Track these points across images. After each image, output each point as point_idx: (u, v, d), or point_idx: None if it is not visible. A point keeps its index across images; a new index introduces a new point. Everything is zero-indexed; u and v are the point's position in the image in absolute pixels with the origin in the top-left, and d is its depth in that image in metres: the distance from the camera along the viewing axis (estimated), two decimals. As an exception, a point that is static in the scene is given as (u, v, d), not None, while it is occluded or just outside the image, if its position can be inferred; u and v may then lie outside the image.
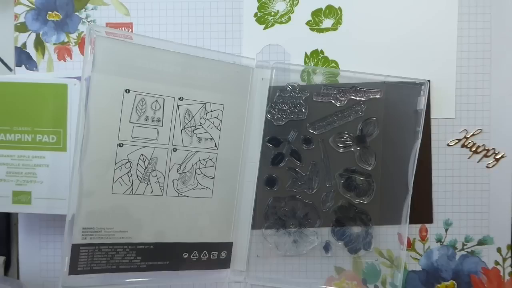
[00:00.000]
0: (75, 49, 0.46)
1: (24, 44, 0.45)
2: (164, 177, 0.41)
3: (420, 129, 0.44)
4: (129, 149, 0.40)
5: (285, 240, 0.46)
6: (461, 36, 0.45)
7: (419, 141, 0.44)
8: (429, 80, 0.45)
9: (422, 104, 0.44)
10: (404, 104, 0.45)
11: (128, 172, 0.40)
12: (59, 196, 0.41)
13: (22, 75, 0.45)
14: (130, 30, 0.45)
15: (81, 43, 0.46)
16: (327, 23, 0.46)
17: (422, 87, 0.44)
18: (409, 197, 0.44)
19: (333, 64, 0.45)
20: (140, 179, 0.41)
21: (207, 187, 0.43)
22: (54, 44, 0.46)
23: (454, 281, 0.46)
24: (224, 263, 0.45)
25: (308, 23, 0.46)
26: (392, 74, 0.45)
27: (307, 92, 0.44)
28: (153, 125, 0.41)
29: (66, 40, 0.45)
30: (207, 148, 0.43)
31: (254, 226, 0.45)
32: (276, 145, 0.45)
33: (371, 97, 0.44)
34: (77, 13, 0.45)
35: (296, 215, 0.45)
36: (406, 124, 0.45)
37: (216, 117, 0.43)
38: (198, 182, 0.43)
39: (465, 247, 0.46)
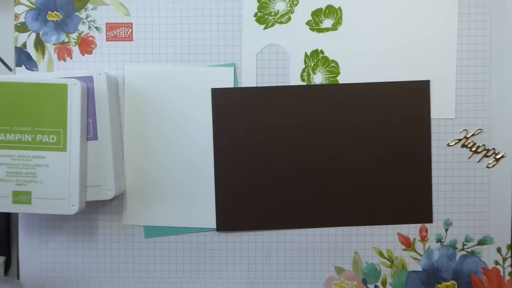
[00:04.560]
0: (75, 49, 0.46)
1: (24, 44, 0.45)
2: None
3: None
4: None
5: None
6: (461, 36, 0.45)
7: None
8: (429, 80, 0.45)
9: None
10: (404, 104, 0.45)
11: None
12: (59, 196, 0.41)
13: (22, 75, 0.45)
14: (130, 30, 0.46)
15: (81, 43, 0.46)
16: (327, 23, 0.46)
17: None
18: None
19: (333, 64, 0.45)
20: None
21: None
22: (54, 44, 0.46)
23: (454, 281, 0.46)
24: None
25: (308, 23, 0.46)
26: (392, 74, 0.45)
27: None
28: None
29: (66, 40, 0.45)
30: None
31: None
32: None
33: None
34: (77, 13, 0.45)
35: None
36: (405, 124, 0.45)
37: None
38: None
39: (465, 247, 0.46)
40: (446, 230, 0.46)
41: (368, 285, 0.46)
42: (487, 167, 0.46)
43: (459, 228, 0.46)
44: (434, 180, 0.46)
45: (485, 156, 0.46)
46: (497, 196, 0.46)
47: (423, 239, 0.46)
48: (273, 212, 0.45)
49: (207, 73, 0.46)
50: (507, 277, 0.46)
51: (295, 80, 0.45)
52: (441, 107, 0.45)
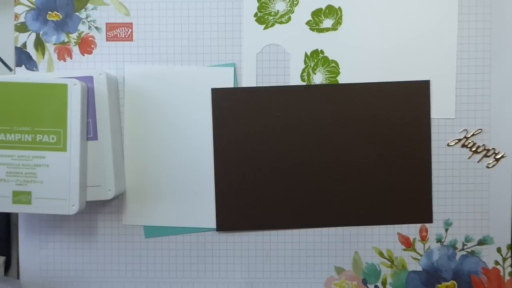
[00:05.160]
0: (75, 49, 0.46)
1: (24, 44, 0.45)
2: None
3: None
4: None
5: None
6: (461, 36, 0.45)
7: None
8: (429, 80, 0.45)
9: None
10: (404, 104, 0.45)
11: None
12: (59, 196, 0.41)
13: (22, 75, 0.45)
14: (130, 30, 0.46)
15: (81, 43, 0.46)
16: (327, 23, 0.46)
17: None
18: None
19: (333, 64, 0.45)
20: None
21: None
22: (54, 44, 0.46)
23: (454, 281, 0.46)
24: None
25: (308, 23, 0.46)
26: (392, 74, 0.45)
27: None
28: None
29: (66, 40, 0.46)
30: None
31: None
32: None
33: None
34: (77, 13, 0.45)
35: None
36: (405, 124, 0.45)
37: None
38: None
39: (465, 247, 0.46)
40: (446, 230, 0.46)
41: (368, 285, 0.46)
42: (487, 167, 0.46)
43: (459, 228, 0.46)
44: (434, 180, 0.46)
45: (485, 156, 0.46)
46: (497, 196, 0.46)
47: (423, 239, 0.46)
48: (273, 212, 0.45)
49: (207, 73, 0.46)
50: (507, 277, 0.46)
51: (295, 80, 0.45)
52: (441, 107, 0.45)
